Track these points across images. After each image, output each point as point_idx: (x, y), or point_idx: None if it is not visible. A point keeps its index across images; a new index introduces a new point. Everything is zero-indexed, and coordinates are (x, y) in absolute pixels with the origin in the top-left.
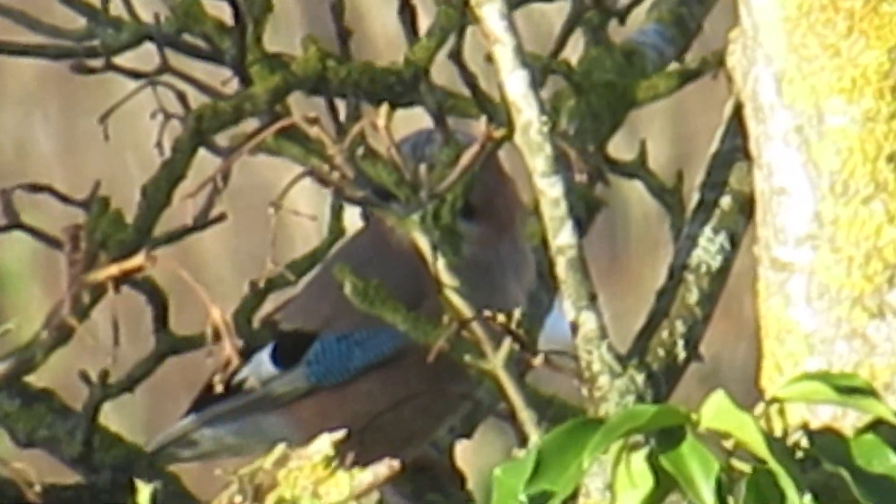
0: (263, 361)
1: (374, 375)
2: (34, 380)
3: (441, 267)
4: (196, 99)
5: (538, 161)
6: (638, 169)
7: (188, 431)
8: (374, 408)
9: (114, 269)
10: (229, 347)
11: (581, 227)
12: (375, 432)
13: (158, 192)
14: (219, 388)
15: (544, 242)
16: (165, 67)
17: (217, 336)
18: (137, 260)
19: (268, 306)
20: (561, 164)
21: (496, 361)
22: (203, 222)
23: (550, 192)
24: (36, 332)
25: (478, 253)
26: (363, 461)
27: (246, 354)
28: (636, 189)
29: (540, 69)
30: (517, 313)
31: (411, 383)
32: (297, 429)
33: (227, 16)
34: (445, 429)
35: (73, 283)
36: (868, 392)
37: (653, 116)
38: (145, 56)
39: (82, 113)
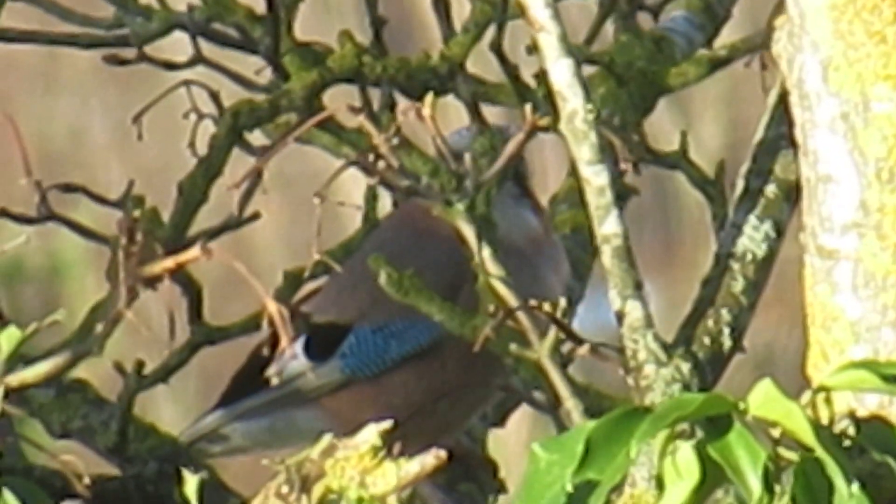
0: (296, 354)
1: (409, 367)
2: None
3: (486, 255)
4: (230, 96)
5: (583, 150)
6: (679, 160)
7: (219, 426)
8: (409, 399)
9: (169, 262)
10: (285, 340)
11: None
12: (411, 424)
13: (195, 189)
14: (274, 381)
15: (579, 231)
16: (199, 58)
17: (272, 328)
18: (193, 252)
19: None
20: (606, 153)
21: (542, 351)
22: (238, 221)
23: (595, 180)
24: (83, 320)
25: (527, 244)
26: (398, 452)
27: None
28: None
29: (582, 59)
30: (562, 302)
31: (447, 374)
32: (330, 422)
33: (257, 4)
34: (478, 417)
35: (129, 276)
36: None
37: (706, 104)
38: (179, 46)
39: (137, 101)
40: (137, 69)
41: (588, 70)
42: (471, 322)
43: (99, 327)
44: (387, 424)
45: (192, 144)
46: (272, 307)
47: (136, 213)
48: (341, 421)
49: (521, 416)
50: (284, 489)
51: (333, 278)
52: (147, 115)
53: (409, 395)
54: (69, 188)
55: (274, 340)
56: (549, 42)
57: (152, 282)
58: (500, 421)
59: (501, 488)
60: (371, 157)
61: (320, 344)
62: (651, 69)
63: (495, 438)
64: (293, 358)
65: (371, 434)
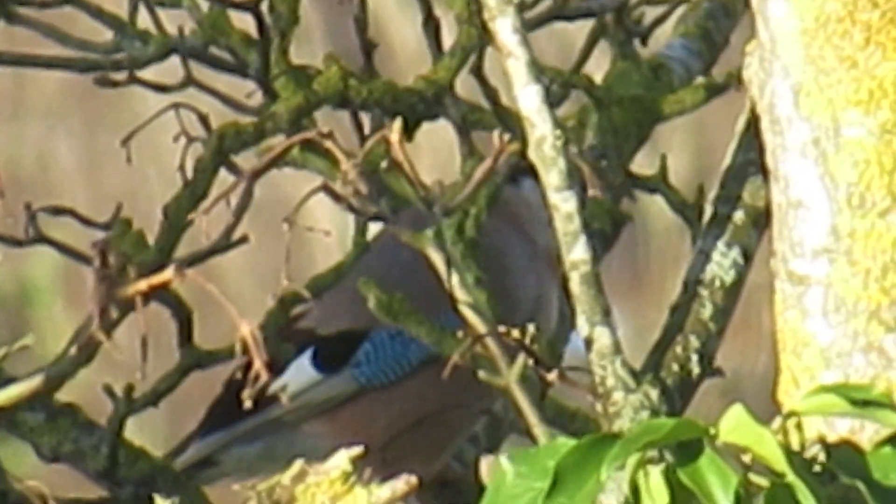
0: (304, 367)
1: (427, 371)
2: (59, 394)
3: (455, 283)
4: (218, 117)
5: (552, 176)
6: (659, 184)
7: (213, 451)
8: (421, 406)
9: (142, 285)
10: (258, 362)
11: (608, 242)
12: (403, 443)
13: (180, 212)
14: (248, 404)
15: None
16: (189, 80)
17: (246, 351)
18: (166, 275)
19: None
20: (574, 179)
21: (510, 377)
22: (225, 244)
23: (564, 206)
24: (65, 346)
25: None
26: (388, 472)
27: (274, 368)
28: (657, 202)
29: (561, 83)
30: (530, 328)
31: (463, 377)
32: (336, 435)
33: (253, 29)
34: (465, 438)
35: (102, 298)
36: (885, 404)
37: (675, 129)
38: (169, 69)
39: (105, 128)
40: (105, 96)
41: (583, 99)
42: (460, 345)
43: (73, 350)
44: (357, 450)
45: (181, 167)
46: (245, 330)
47: (109, 234)
48: (347, 433)
49: (517, 442)
50: None
51: (337, 293)
52: (113, 140)
53: (421, 403)
54: (57, 211)
55: (248, 364)
56: (518, 68)
57: (125, 304)
58: (494, 447)
59: None
60: (341, 183)
61: (330, 354)
62: (648, 96)
63: (487, 464)
64: (283, 376)
65: (342, 460)
